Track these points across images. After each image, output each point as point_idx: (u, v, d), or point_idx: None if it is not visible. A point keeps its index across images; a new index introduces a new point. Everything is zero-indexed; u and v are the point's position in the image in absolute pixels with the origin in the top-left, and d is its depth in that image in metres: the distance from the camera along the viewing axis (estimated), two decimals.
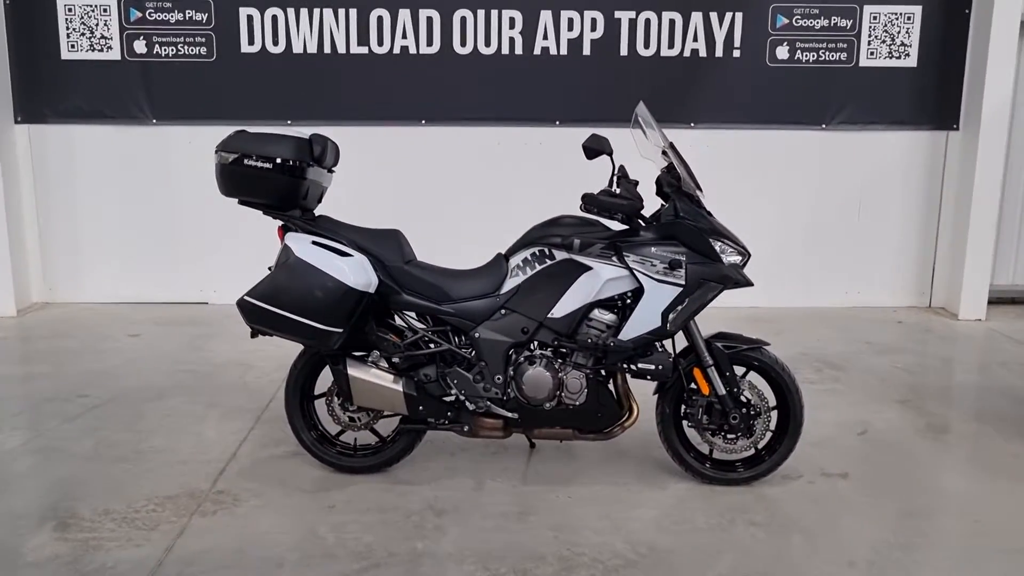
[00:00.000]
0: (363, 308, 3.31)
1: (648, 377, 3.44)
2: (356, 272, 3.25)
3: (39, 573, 2.84)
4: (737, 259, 3.42)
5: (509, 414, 3.50)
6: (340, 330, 3.27)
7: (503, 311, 3.46)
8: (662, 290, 3.34)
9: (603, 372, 3.49)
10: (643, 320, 3.36)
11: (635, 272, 3.34)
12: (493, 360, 3.47)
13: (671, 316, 3.34)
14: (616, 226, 3.43)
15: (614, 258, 3.37)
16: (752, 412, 3.49)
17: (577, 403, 3.45)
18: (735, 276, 3.38)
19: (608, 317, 3.42)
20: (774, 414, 3.55)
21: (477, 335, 3.46)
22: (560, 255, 3.41)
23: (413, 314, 3.54)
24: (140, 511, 3.27)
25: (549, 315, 3.42)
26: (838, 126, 6.67)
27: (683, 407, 3.56)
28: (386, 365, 3.51)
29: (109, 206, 6.64)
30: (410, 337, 3.51)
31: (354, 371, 3.45)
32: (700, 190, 3.48)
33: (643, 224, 3.42)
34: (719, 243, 3.37)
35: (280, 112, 6.43)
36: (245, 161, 3.32)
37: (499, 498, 3.45)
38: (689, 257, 3.34)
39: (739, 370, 3.52)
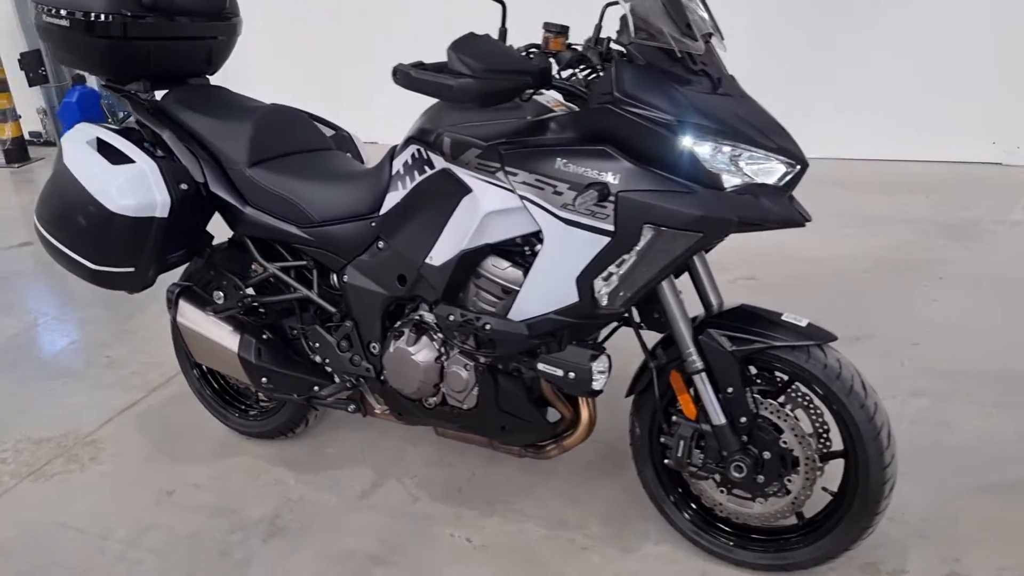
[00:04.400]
0: (162, 238, 2.23)
1: (561, 388, 1.97)
2: (126, 189, 2.16)
3: None
4: (774, 170, 1.71)
5: (377, 404, 2.28)
6: (128, 269, 2.25)
7: (380, 244, 2.16)
8: (573, 238, 1.79)
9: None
10: (544, 287, 1.87)
11: (525, 201, 1.82)
12: (365, 319, 2.23)
13: (600, 286, 1.80)
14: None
15: (500, 173, 1.86)
16: (780, 458, 1.88)
17: (464, 406, 2.11)
18: (737, 213, 1.69)
19: (509, 274, 1.96)
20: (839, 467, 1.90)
21: (345, 278, 2.23)
22: (438, 162, 1.98)
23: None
24: None
25: (427, 260, 2.05)
26: None
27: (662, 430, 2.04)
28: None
29: None
30: (258, 274, 2.38)
31: (184, 315, 2.45)
32: (698, 34, 1.75)
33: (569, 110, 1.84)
34: (725, 146, 1.68)
35: None
36: (44, 16, 2.33)
37: (374, 520, 2.31)
38: (627, 178, 1.72)
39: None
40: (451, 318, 1.98)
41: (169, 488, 2.51)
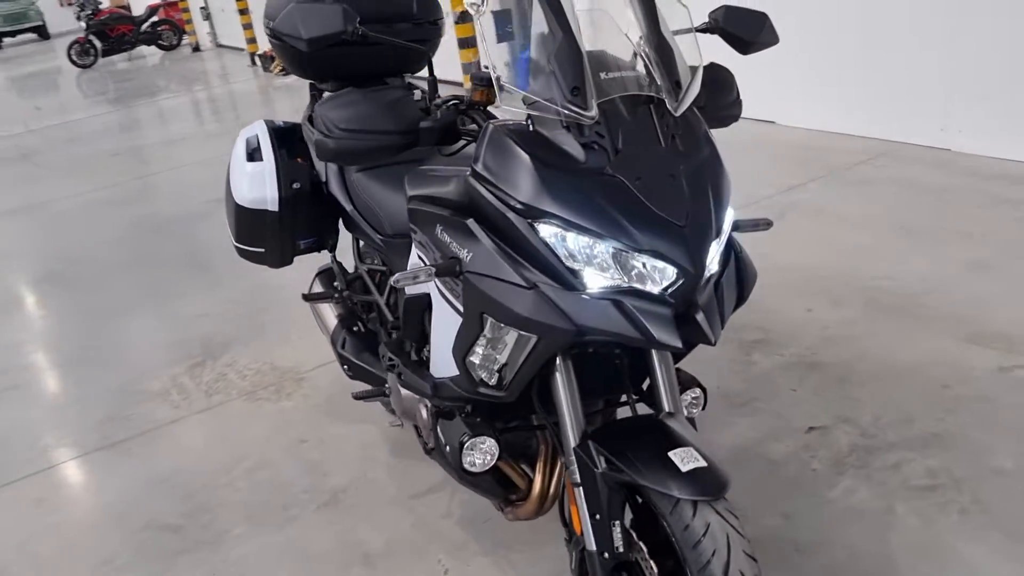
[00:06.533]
0: (278, 227, 2.55)
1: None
2: (249, 184, 2.50)
3: (106, 398, 3.38)
4: (652, 276, 1.45)
5: (396, 417, 2.35)
6: (259, 249, 2.64)
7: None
8: (445, 309, 1.69)
9: None
10: (438, 353, 1.79)
11: (420, 261, 1.76)
12: (410, 329, 2.33)
13: (476, 365, 1.67)
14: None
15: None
16: None
17: (428, 443, 2.10)
18: (580, 321, 1.45)
19: None
20: None
21: (396, 291, 2.35)
22: None
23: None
24: (236, 374, 3.43)
25: None
26: None
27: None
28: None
29: None
30: (355, 271, 2.60)
31: (313, 292, 2.77)
32: (592, 100, 1.48)
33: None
34: (591, 242, 1.45)
35: None
36: (264, 25, 2.80)
37: (400, 520, 2.44)
38: (477, 258, 1.56)
39: None
40: (384, 356, 1.99)
41: (305, 437, 2.93)
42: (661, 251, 1.41)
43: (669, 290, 1.43)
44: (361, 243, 2.59)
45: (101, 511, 2.72)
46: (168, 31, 15.97)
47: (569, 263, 1.45)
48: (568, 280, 1.45)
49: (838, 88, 5.21)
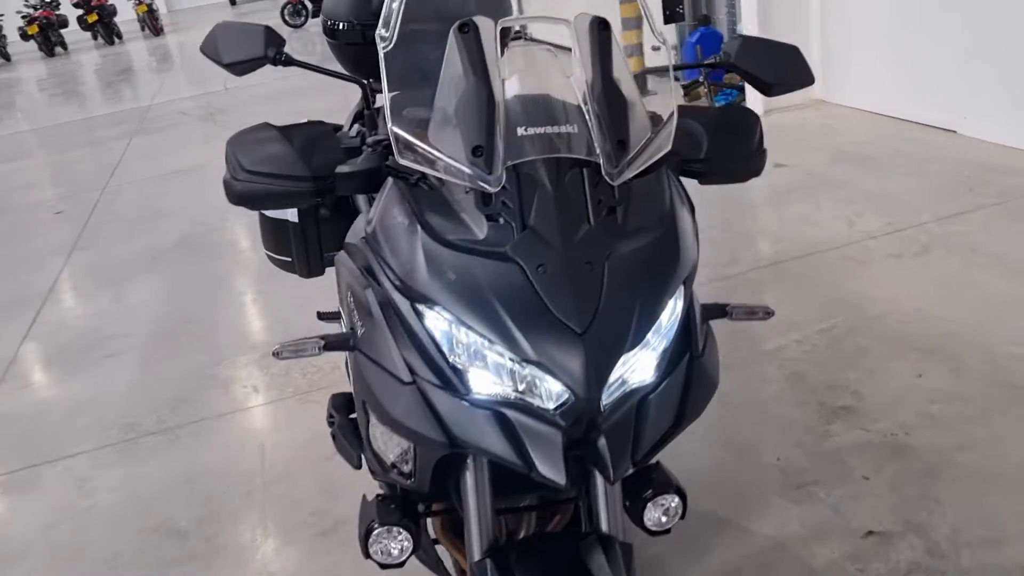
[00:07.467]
0: (303, 238, 2.42)
1: None
2: None
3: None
4: (540, 391, 1.20)
5: None
6: (286, 258, 2.52)
7: None
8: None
9: None
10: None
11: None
12: None
13: (381, 447, 1.46)
14: None
15: None
16: None
17: None
18: (453, 433, 1.23)
19: None
20: None
21: None
22: None
23: None
24: (299, 370, 3.37)
25: None
26: None
27: None
28: None
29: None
30: None
31: (326, 314, 2.62)
32: (501, 164, 1.22)
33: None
34: (474, 339, 1.21)
35: None
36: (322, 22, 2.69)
37: None
38: (367, 338, 1.35)
39: None
40: (328, 408, 1.81)
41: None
42: (548, 365, 1.13)
43: (557, 410, 1.15)
44: None
45: (127, 503, 2.74)
46: None
47: (453, 359, 1.20)
48: (451, 379, 1.21)
49: None
